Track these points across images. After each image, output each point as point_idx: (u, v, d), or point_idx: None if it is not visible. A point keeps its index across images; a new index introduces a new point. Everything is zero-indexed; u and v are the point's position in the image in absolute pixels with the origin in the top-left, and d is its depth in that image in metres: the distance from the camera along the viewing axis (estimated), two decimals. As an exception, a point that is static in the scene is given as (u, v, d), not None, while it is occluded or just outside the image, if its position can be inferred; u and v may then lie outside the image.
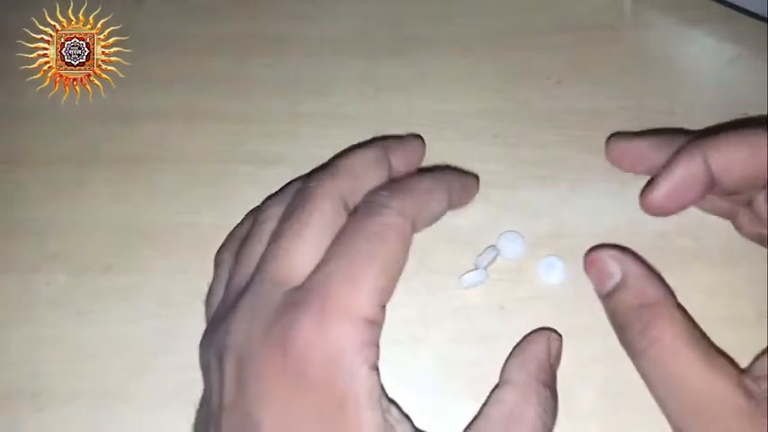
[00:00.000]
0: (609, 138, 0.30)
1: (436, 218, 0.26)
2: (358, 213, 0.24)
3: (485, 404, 0.24)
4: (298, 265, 0.23)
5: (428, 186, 0.26)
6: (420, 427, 0.24)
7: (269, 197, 0.29)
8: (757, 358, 0.22)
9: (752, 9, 0.34)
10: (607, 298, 0.24)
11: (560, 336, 0.26)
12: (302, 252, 0.23)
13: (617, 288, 0.24)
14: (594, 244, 0.29)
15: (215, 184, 0.32)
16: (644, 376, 0.23)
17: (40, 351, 0.28)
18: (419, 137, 0.31)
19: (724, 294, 0.27)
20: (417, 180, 0.26)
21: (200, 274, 0.28)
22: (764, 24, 0.34)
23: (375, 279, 0.22)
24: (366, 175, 0.25)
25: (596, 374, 0.26)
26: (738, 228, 0.28)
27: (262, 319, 0.22)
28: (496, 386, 0.24)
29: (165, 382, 0.27)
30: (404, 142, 0.30)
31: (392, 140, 0.30)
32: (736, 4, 0.34)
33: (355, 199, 0.25)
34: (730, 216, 0.28)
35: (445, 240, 0.29)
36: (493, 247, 0.29)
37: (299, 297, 0.22)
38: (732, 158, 0.24)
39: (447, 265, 0.29)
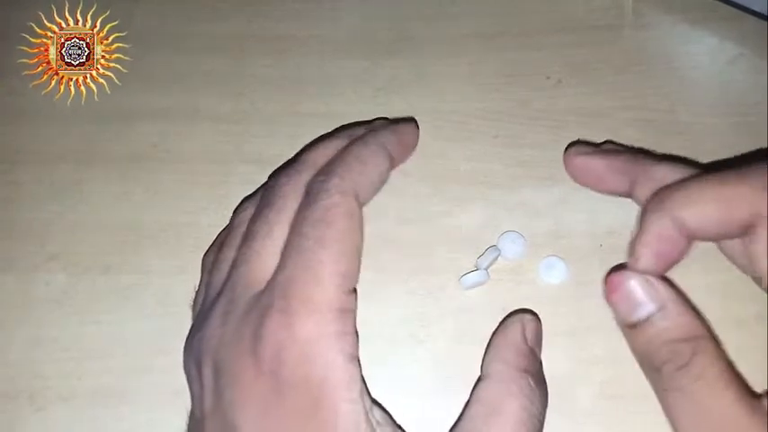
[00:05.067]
0: (566, 148, 0.29)
1: (381, 182, 0.25)
2: (301, 204, 0.24)
3: (467, 403, 0.23)
4: (266, 266, 0.23)
5: (363, 154, 0.25)
6: (420, 427, 0.24)
7: (245, 198, 0.29)
8: None
9: (753, 8, 0.34)
10: (636, 328, 0.21)
11: (537, 316, 0.26)
12: (272, 252, 0.23)
13: (651, 318, 0.21)
14: (595, 244, 0.29)
15: (215, 184, 0.32)
16: (674, 412, 0.21)
17: (39, 351, 0.28)
18: (387, 120, 0.30)
19: (723, 295, 0.27)
20: (350, 152, 0.25)
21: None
22: (765, 23, 0.34)
23: (333, 265, 0.22)
24: None
25: (596, 375, 0.26)
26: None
27: (233, 324, 0.22)
28: (477, 381, 0.24)
29: (165, 382, 0.27)
30: (370, 129, 0.29)
31: (358, 128, 0.29)
32: (738, 2, 0.34)
33: None
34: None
35: (445, 241, 0.29)
36: (493, 247, 0.29)
37: (263, 299, 0.22)
38: (704, 216, 0.21)
39: (447, 265, 0.29)
